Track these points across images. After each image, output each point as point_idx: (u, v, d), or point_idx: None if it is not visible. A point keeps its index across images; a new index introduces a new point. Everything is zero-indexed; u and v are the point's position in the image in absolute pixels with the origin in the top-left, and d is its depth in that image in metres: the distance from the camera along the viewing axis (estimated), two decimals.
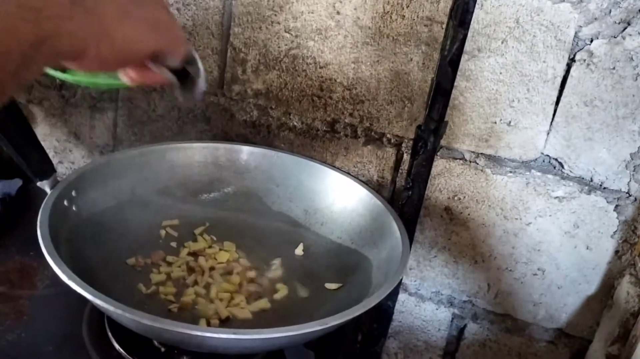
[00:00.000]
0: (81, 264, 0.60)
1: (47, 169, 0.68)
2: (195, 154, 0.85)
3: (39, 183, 0.68)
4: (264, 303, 0.70)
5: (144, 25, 0.43)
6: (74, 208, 0.69)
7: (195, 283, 0.71)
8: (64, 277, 0.54)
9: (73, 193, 0.70)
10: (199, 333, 0.52)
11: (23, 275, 0.73)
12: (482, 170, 0.80)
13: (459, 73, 0.73)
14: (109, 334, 0.66)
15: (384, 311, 0.83)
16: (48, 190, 0.67)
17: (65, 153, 1.00)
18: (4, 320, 0.66)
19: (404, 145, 0.83)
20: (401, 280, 0.80)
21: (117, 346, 0.64)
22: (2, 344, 0.63)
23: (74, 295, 0.55)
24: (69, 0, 0.37)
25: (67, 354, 0.64)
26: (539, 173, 0.78)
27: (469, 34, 0.71)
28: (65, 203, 0.68)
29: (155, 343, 0.65)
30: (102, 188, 0.74)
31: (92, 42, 0.39)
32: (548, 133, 0.76)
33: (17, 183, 0.90)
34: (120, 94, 0.93)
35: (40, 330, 0.66)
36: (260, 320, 0.68)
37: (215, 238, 0.79)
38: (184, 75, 0.52)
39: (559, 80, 0.73)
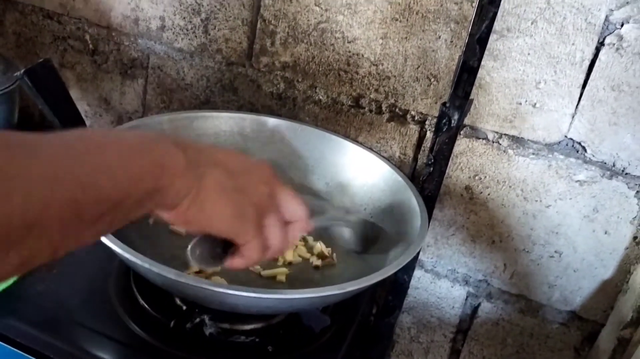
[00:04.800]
0: None
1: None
2: (222, 123, 0.87)
3: None
4: (282, 271, 0.72)
5: (229, 210, 0.45)
6: None
7: None
8: None
9: None
10: (221, 290, 0.54)
11: None
12: (504, 151, 0.81)
13: (486, 52, 0.73)
14: (134, 289, 0.68)
15: (399, 285, 0.84)
16: None
17: (95, 118, 1.03)
18: (34, 271, 0.69)
19: (427, 122, 0.83)
20: (418, 254, 0.81)
21: (141, 301, 0.67)
22: (33, 293, 0.66)
23: (102, 252, 0.57)
24: (185, 163, 0.41)
25: (93, 306, 0.66)
26: (561, 156, 0.78)
27: (499, 14, 0.71)
28: None
29: (177, 301, 0.67)
30: None
31: (187, 201, 0.42)
32: (573, 117, 0.76)
33: None
34: (151, 62, 0.95)
35: (69, 283, 0.69)
36: (278, 286, 0.70)
37: None
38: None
39: (586, 63, 0.73)
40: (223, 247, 0.49)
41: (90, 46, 0.98)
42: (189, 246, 0.48)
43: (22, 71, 0.66)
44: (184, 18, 0.90)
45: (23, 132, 0.33)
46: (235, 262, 0.49)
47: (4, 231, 0.29)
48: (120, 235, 0.57)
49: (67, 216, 0.33)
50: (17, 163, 0.30)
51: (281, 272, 0.71)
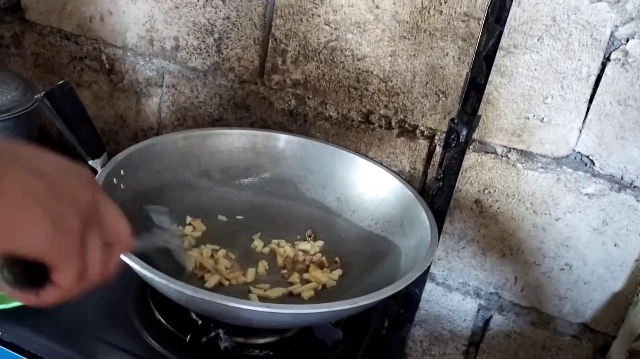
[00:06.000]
0: None
1: (98, 149, 0.73)
2: (234, 140, 0.89)
3: (90, 162, 0.72)
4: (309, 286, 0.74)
5: (45, 222, 0.34)
6: (121, 186, 0.74)
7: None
8: None
9: (122, 172, 0.74)
10: (235, 305, 0.56)
11: None
12: (513, 165, 0.82)
13: (494, 68, 0.74)
14: (151, 305, 0.70)
15: (410, 298, 0.85)
16: (99, 169, 0.72)
17: (111, 135, 1.05)
18: None
19: (436, 137, 0.85)
20: (429, 268, 0.82)
21: (158, 316, 0.69)
22: (53, 308, 0.67)
23: (120, 269, 0.59)
24: None
25: (112, 320, 0.68)
26: (570, 170, 0.79)
27: (506, 31, 0.72)
28: (115, 180, 0.73)
29: (193, 315, 0.69)
30: (147, 168, 0.79)
31: None
32: (580, 131, 0.77)
33: None
34: (166, 81, 0.97)
35: (88, 298, 0.70)
36: (292, 300, 0.71)
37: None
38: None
39: (593, 78, 0.74)
40: (27, 270, 0.38)
41: (107, 66, 1.01)
42: None
43: (43, 93, 0.68)
44: (198, 38, 0.93)
45: None
46: (47, 295, 0.39)
47: None
48: (138, 252, 0.59)
49: None
50: None
51: (307, 288, 0.73)
